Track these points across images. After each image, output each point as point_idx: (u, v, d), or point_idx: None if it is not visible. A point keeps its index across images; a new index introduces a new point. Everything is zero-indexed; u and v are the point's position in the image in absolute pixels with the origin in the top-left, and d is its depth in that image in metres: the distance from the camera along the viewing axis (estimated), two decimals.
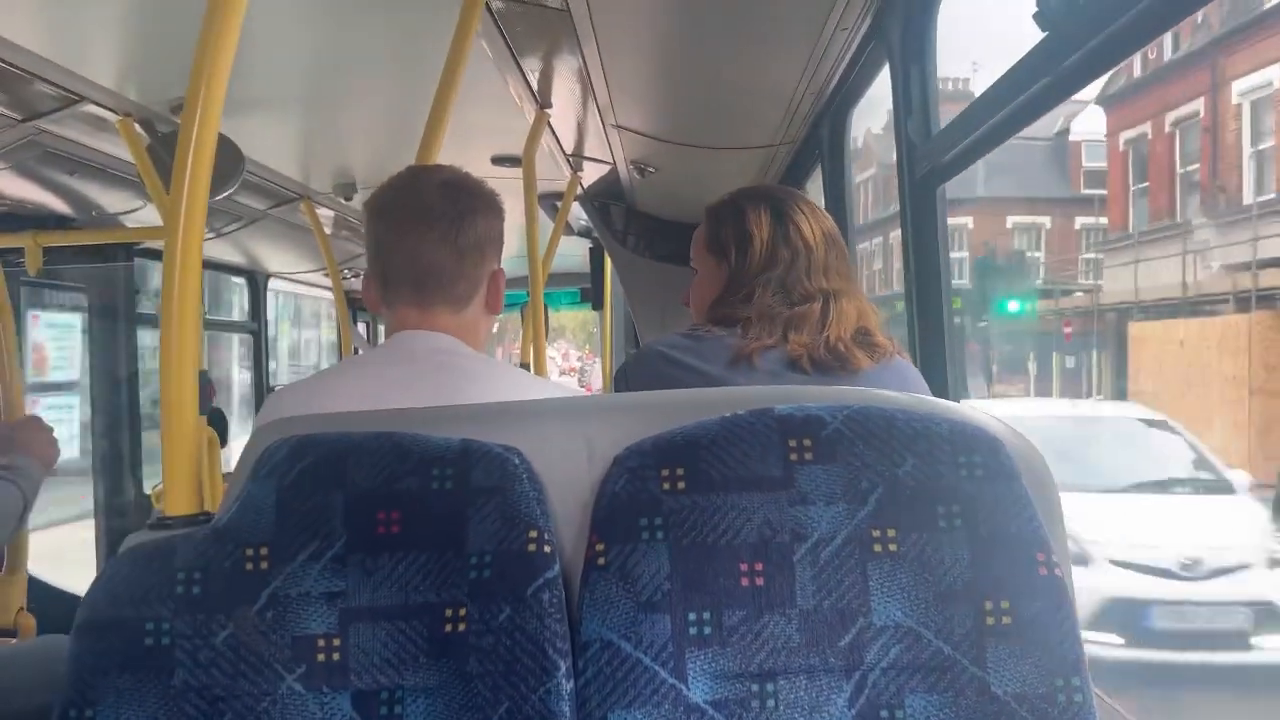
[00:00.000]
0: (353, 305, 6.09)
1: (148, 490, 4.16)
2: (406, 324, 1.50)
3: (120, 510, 4.08)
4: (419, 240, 1.48)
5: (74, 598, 1.10)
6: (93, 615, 1.02)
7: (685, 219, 4.28)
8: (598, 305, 5.97)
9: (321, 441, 1.07)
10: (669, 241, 4.49)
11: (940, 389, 1.79)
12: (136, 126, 2.86)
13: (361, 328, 7.09)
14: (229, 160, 2.91)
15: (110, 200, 3.54)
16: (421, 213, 1.49)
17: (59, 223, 3.56)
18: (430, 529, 1.03)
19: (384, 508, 1.03)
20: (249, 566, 1.03)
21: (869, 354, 1.49)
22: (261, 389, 5.59)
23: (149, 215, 3.56)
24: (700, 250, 1.67)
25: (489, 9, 2.13)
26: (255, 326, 5.58)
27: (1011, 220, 27.17)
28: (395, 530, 1.03)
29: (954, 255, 22.34)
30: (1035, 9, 1.33)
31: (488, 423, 1.11)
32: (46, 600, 3.07)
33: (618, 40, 2.39)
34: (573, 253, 5.62)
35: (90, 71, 2.59)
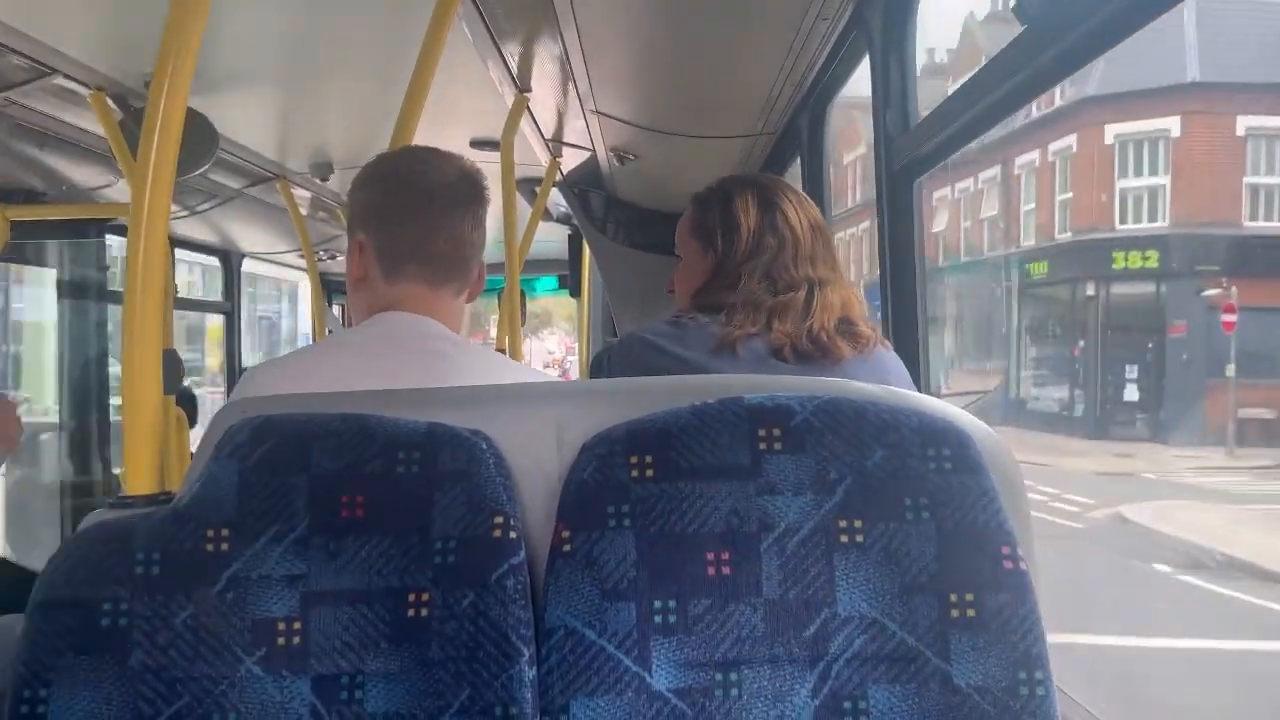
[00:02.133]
0: (327, 287, 6.05)
1: (116, 471, 4.12)
2: (410, 300, 1.47)
3: (87, 490, 4.04)
4: (454, 220, 1.48)
5: (35, 577, 1.09)
6: (49, 595, 1.00)
7: (665, 208, 4.27)
8: (575, 292, 5.96)
9: (285, 423, 1.05)
10: (648, 230, 4.48)
11: (914, 378, 1.79)
12: (109, 101, 2.83)
13: (336, 310, 7.05)
14: (203, 137, 2.88)
15: (82, 176, 3.49)
16: (453, 194, 1.48)
17: (28, 197, 3.51)
18: (395, 513, 1.02)
19: (348, 491, 1.02)
20: (209, 548, 1.01)
21: (852, 344, 1.49)
22: (234, 370, 5.54)
23: (121, 192, 3.51)
24: (686, 236, 1.66)
25: None
26: (229, 307, 5.53)
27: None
28: (359, 514, 1.02)
29: (1154, 180, 20.41)
30: (1014, 3, 1.32)
31: (456, 406, 1.10)
32: (5, 580, 3.03)
33: (598, 25, 2.37)
34: (551, 238, 5.60)
35: (62, 44, 2.55)
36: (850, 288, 1.58)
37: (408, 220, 1.48)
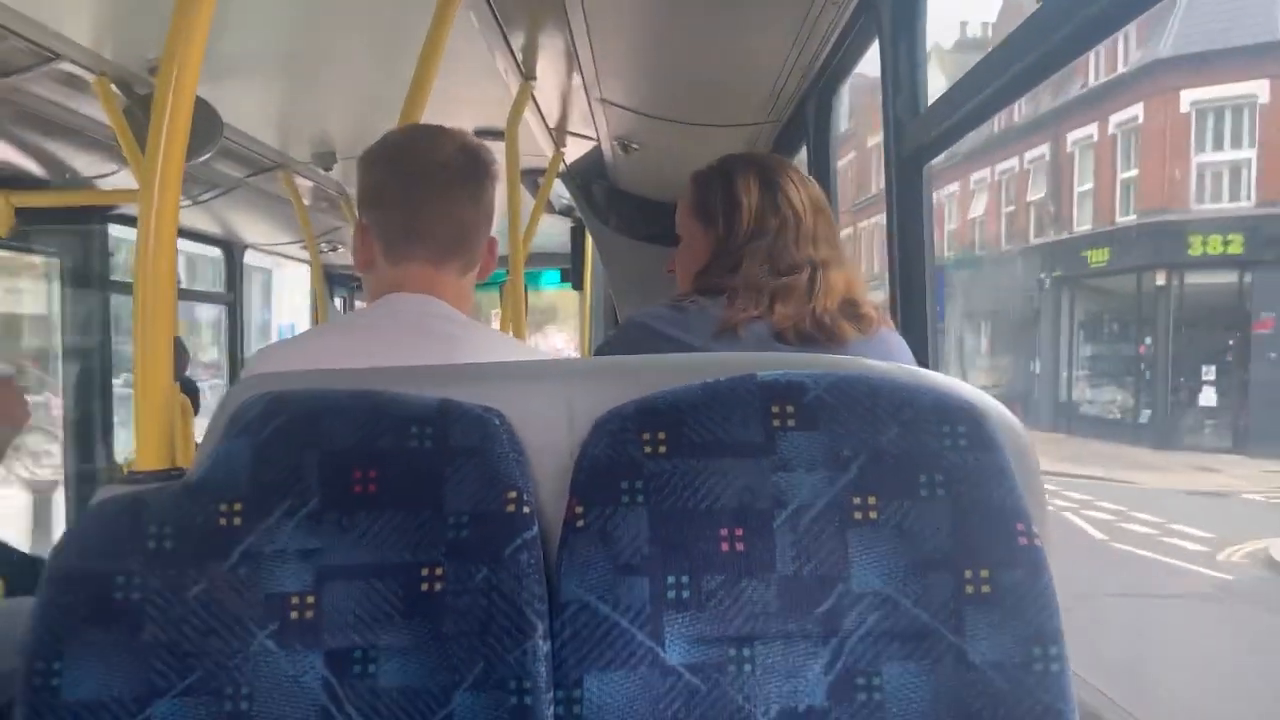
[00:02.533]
0: (330, 279, 6.04)
1: (119, 458, 4.12)
2: (415, 280, 1.46)
3: (90, 478, 4.04)
4: (451, 197, 1.46)
5: (43, 562, 1.09)
6: (61, 568, 1.00)
7: (668, 198, 4.24)
8: (578, 285, 5.95)
9: (297, 399, 1.05)
10: (651, 221, 4.46)
11: (922, 363, 1.78)
12: (113, 87, 2.82)
13: (338, 302, 7.04)
14: (207, 124, 2.87)
15: (85, 163, 3.48)
16: (453, 171, 1.46)
17: (33, 184, 3.50)
18: (407, 488, 1.02)
19: (360, 466, 1.02)
20: (222, 523, 1.01)
21: (855, 325, 1.47)
22: (236, 360, 5.54)
23: (125, 180, 3.50)
24: (686, 217, 1.64)
25: None
26: (231, 298, 5.53)
27: None
28: (372, 489, 1.01)
29: (1238, 154, 17.40)
30: None
31: (468, 383, 1.09)
32: (15, 564, 3.03)
33: (605, 13, 2.37)
34: (554, 231, 5.59)
35: (67, 29, 2.54)
36: (853, 268, 1.57)
37: (405, 200, 1.47)
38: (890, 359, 1.42)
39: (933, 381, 1.08)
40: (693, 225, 1.62)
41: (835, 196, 2.95)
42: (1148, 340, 18.56)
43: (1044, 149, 21.83)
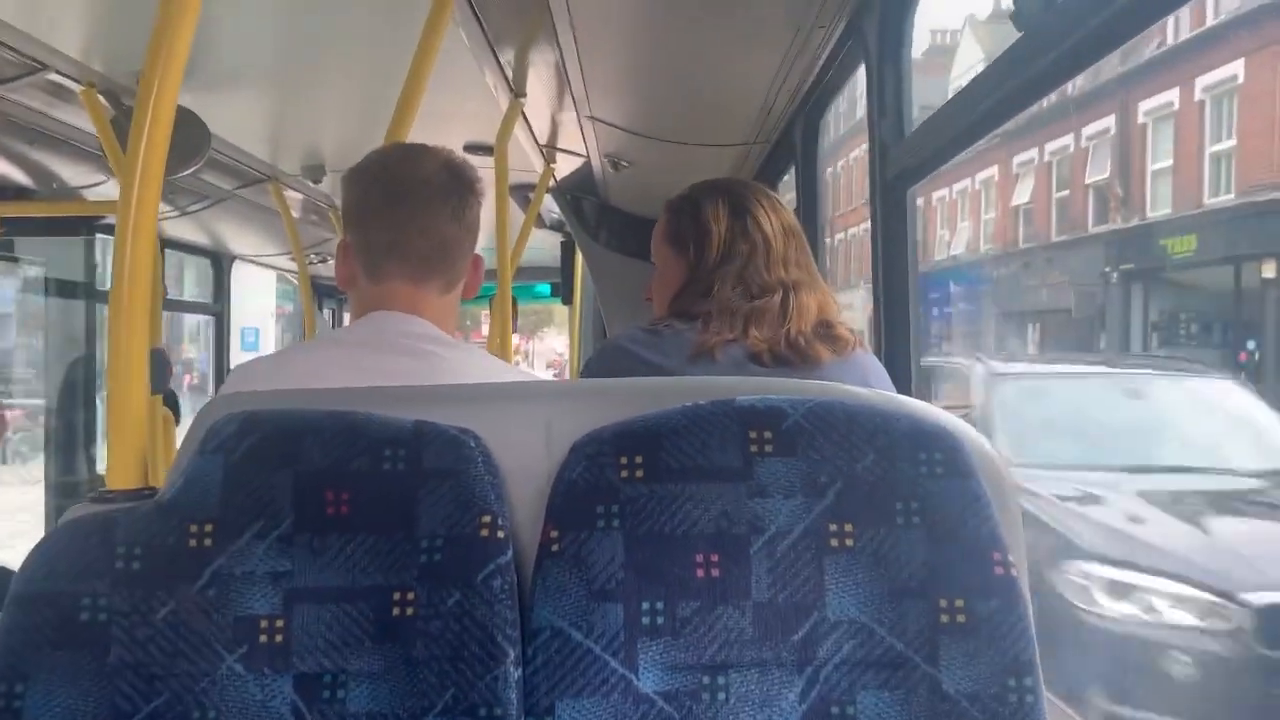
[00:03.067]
0: (318, 291, 6.03)
1: (101, 470, 4.09)
2: (396, 298, 1.45)
3: (71, 489, 4.01)
4: (432, 214, 1.45)
5: (12, 574, 1.08)
6: (27, 588, 0.99)
7: (658, 215, 4.26)
8: (568, 300, 5.96)
9: (271, 418, 1.04)
10: (641, 237, 4.43)
11: (905, 387, 1.79)
12: (100, 97, 2.81)
13: (327, 314, 7.02)
14: (195, 136, 2.87)
15: (72, 173, 3.47)
16: (433, 188, 1.46)
17: (18, 194, 3.49)
18: (380, 510, 1.01)
19: (333, 487, 1.01)
20: (192, 543, 1.00)
21: (830, 347, 1.48)
22: (223, 371, 5.52)
23: (112, 190, 3.50)
24: (659, 244, 1.66)
25: None
26: (219, 308, 5.51)
27: None
28: (344, 511, 1.00)
29: None
30: (1013, 9, 1.32)
31: (445, 404, 1.09)
32: None
33: (595, 31, 2.37)
34: (544, 245, 5.60)
35: (54, 39, 2.53)
36: (826, 290, 1.58)
37: (383, 217, 1.46)
38: (865, 380, 1.43)
39: (909, 408, 1.08)
40: (666, 252, 1.64)
41: (824, 214, 2.96)
42: (1250, 344, 14.97)
43: (1108, 122, 18.47)
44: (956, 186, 24.49)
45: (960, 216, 23.61)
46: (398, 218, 1.45)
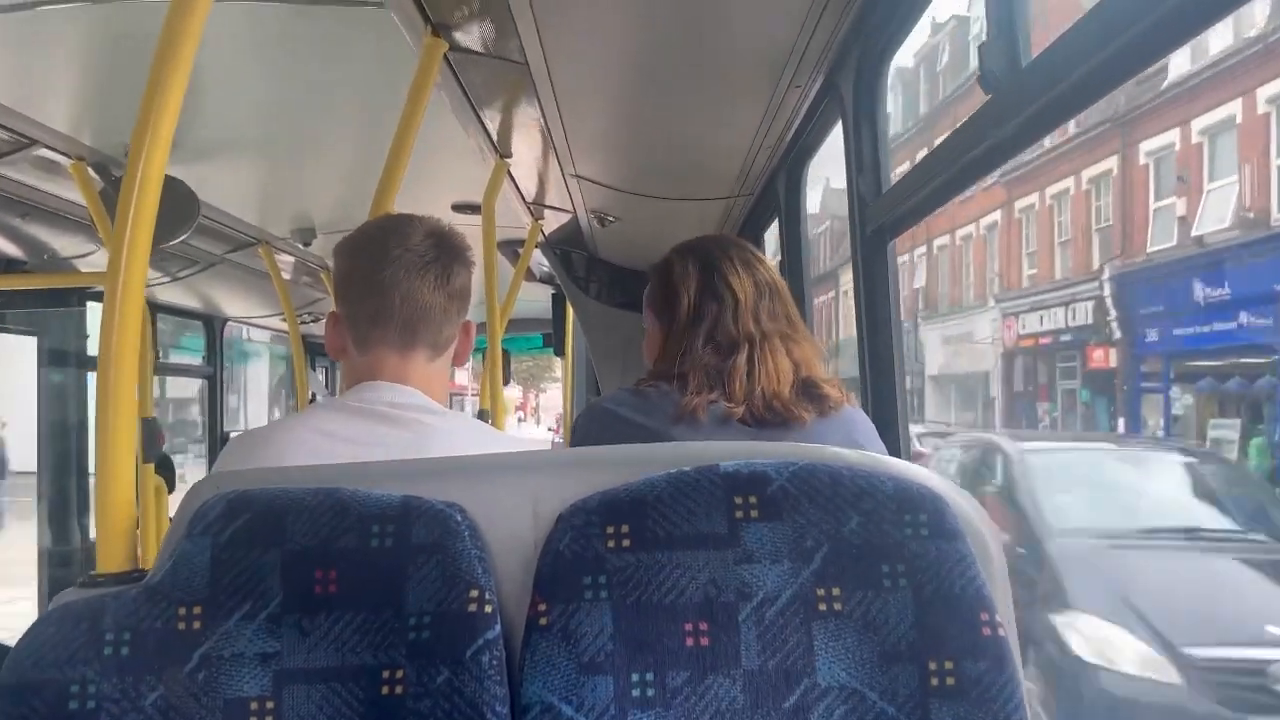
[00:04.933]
0: (310, 350, 6.04)
1: (94, 536, 4.07)
2: (384, 367, 1.47)
3: (64, 560, 3.99)
4: (415, 282, 1.47)
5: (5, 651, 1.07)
6: (15, 677, 0.99)
7: (646, 267, 4.29)
8: (559, 351, 5.98)
9: (258, 498, 1.05)
10: (630, 289, 4.50)
11: (892, 445, 1.79)
12: (90, 170, 2.84)
13: (320, 374, 7.03)
14: (184, 205, 2.90)
15: (63, 244, 3.50)
16: (416, 257, 1.48)
17: (9, 266, 3.52)
18: (369, 588, 1.01)
19: (321, 566, 1.01)
20: (181, 626, 1.00)
21: (815, 406, 1.48)
22: (216, 433, 5.51)
23: (103, 260, 3.52)
24: (645, 307, 1.70)
25: (447, 59, 2.14)
26: (211, 370, 5.52)
27: None
28: (333, 589, 1.01)
29: None
30: (979, 75, 1.35)
31: (431, 478, 1.09)
32: None
33: (576, 93, 2.41)
34: (535, 298, 5.63)
35: (44, 115, 2.57)
36: (811, 343, 1.58)
37: (367, 288, 1.48)
38: (853, 439, 1.43)
39: (893, 469, 1.08)
40: (649, 315, 1.68)
41: (806, 265, 2.98)
42: None
43: (1232, 109, 13.89)
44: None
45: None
46: (379, 287, 1.47)
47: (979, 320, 23.95)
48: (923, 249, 27.01)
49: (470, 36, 2.11)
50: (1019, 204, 22.03)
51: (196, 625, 1.00)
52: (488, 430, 1.64)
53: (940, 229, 25.34)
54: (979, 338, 23.58)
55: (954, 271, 26.11)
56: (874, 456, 1.14)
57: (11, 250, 3.46)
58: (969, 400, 25.37)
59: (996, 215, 23.07)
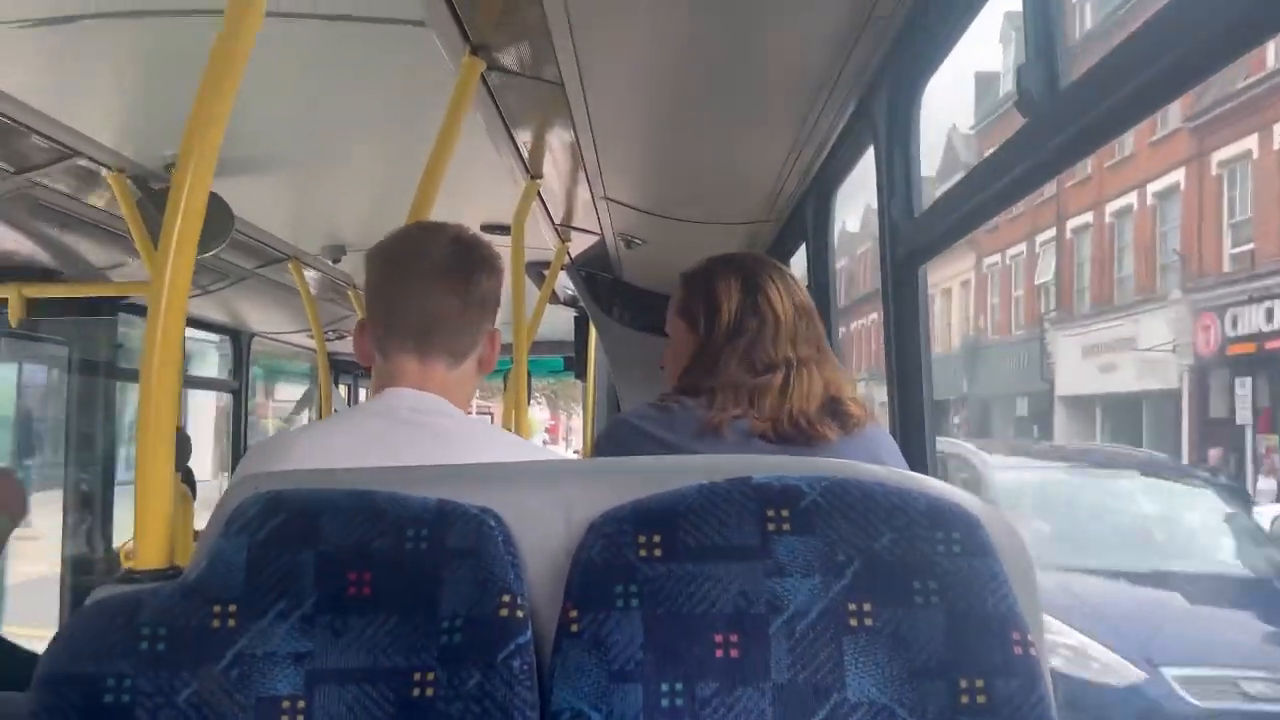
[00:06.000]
0: (335, 367, 6.08)
1: (116, 545, 4.10)
2: (404, 374, 1.48)
3: (87, 567, 4.02)
4: (430, 290, 1.48)
5: (34, 656, 1.09)
6: (52, 670, 1.00)
7: (670, 290, 4.30)
8: (581, 375, 6.00)
9: (294, 498, 1.06)
10: (654, 312, 4.49)
11: (920, 467, 1.79)
12: (128, 182, 2.88)
13: (342, 390, 7.07)
14: (218, 218, 2.93)
15: (97, 255, 3.54)
16: (434, 264, 1.49)
17: (44, 275, 3.56)
18: (402, 591, 1.02)
19: (355, 568, 1.02)
20: (216, 624, 1.01)
21: (840, 424, 1.49)
22: (239, 448, 5.55)
23: (135, 270, 3.56)
24: (673, 316, 1.68)
25: (484, 79, 2.17)
26: (236, 385, 5.56)
27: None
28: (366, 591, 1.01)
29: None
30: (1017, 98, 1.36)
31: (465, 484, 1.10)
32: (5, 657, 2.99)
33: (609, 116, 2.43)
34: (558, 321, 5.65)
35: (85, 126, 2.61)
36: (837, 368, 1.58)
37: (392, 296, 1.50)
38: (877, 457, 1.43)
39: (927, 487, 1.08)
40: (678, 325, 1.66)
41: (834, 292, 2.99)
42: None
43: None
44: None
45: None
46: (398, 294, 1.49)
47: (1145, 321, 17.87)
48: (1049, 234, 21.55)
49: (508, 57, 2.14)
50: (1219, 155, 16.18)
51: (231, 623, 1.00)
52: (513, 439, 1.65)
53: (1080, 205, 19.93)
54: (1145, 343, 17.49)
55: (1100, 259, 19.97)
56: (907, 473, 1.14)
57: (46, 259, 3.50)
58: (1124, 427, 18.85)
59: (1177, 176, 17.37)
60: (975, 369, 25.05)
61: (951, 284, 27.47)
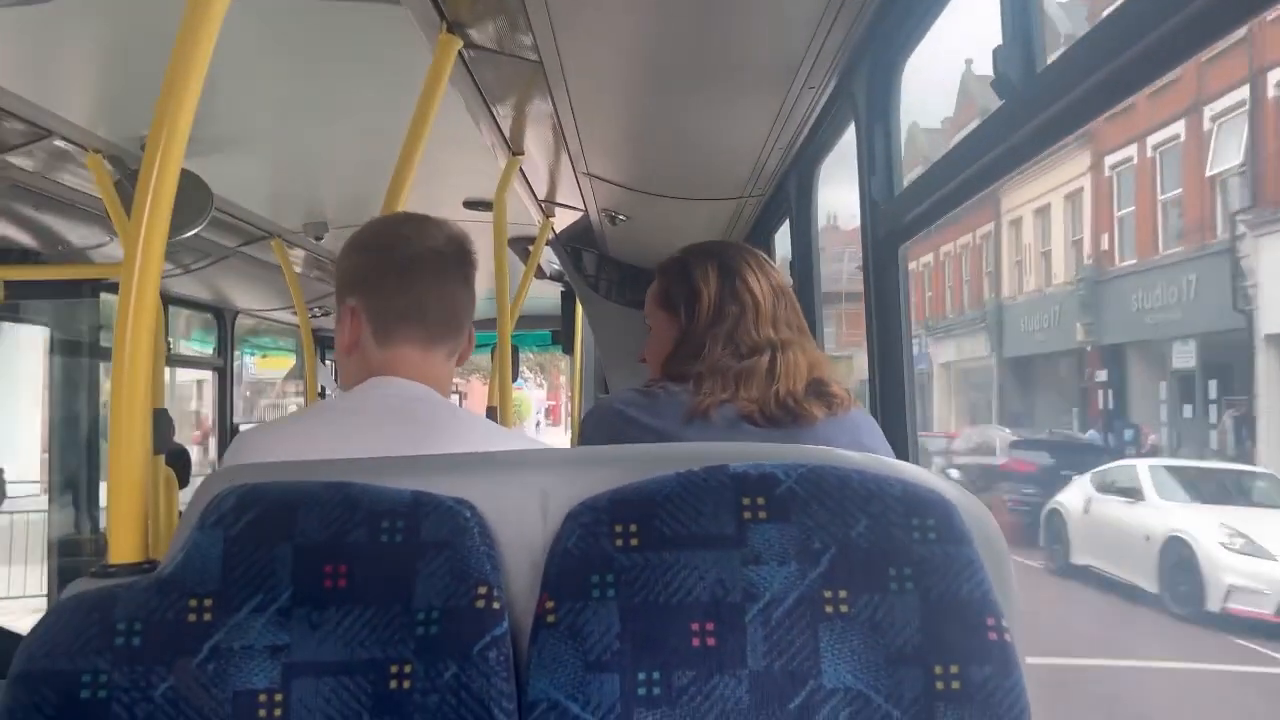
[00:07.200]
0: (320, 344, 6.06)
1: (104, 526, 4.10)
2: (404, 363, 1.48)
3: (74, 549, 4.01)
4: (444, 281, 1.50)
5: (17, 640, 1.08)
6: (28, 666, 1.00)
7: (655, 266, 4.30)
8: (568, 349, 5.99)
9: (270, 491, 1.05)
10: (640, 287, 4.47)
11: (900, 449, 1.80)
12: (105, 162, 2.86)
13: (329, 364, 7.04)
14: (197, 197, 2.91)
15: (78, 235, 3.52)
16: (444, 256, 1.51)
17: (23, 256, 3.53)
18: (378, 583, 1.02)
19: (331, 560, 1.02)
20: (192, 618, 1.01)
21: (824, 405, 1.50)
22: (226, 425, 5.54)
23: (115, 251, 3.54)
24: (653, 307, 1.69)
25: (461, 56, 2.14)
26: (221, 363, 5.54)
27: None
28: (342, 584, 1.02)
29: None
30: (993, 79, 1.36)
31: (442, 474, 1.10)
32: None
33: (589, 91, 2.41)
34: (544, 295, 5.64)
35: (61, 107, 2.58)
36: (817, 349, 1.61)
37: (401, 284, 1.49)
38: (859, 440, 1.44)
39: (902, 473, 1.09)
40: (658, 314, 1.67)
41: (816, 266, 2.99)
42: None
43: None
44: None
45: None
46: (415, 285, 1.49)
47: None
48: (1229, 99, 14.52)
49: (485, 33, 2.12)
50: None
51: (207, 617, 1.01)
52: (498, 429, 1.65)
53: None
54: None
55: None
56: (883, 460, 1.14)
57: (26, 240, 3.47)
58: None
59: None
60: (1100, 308, 18.50)
61: (1047, 200, 20.81)
